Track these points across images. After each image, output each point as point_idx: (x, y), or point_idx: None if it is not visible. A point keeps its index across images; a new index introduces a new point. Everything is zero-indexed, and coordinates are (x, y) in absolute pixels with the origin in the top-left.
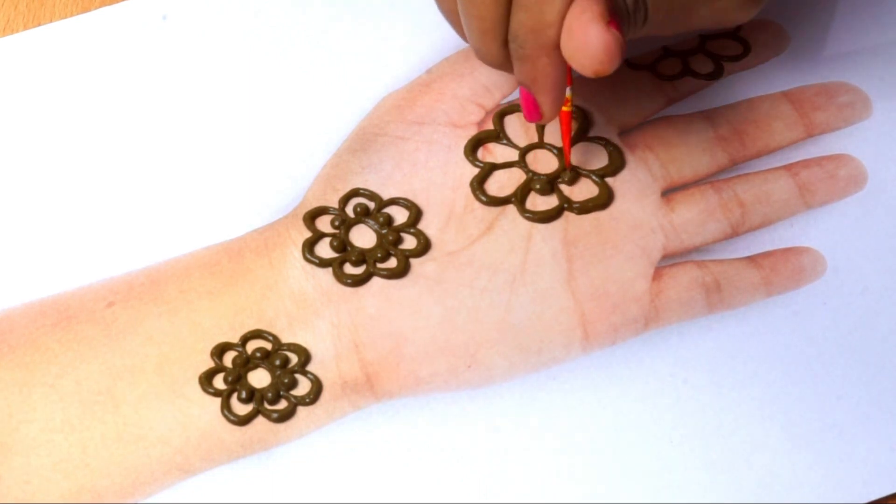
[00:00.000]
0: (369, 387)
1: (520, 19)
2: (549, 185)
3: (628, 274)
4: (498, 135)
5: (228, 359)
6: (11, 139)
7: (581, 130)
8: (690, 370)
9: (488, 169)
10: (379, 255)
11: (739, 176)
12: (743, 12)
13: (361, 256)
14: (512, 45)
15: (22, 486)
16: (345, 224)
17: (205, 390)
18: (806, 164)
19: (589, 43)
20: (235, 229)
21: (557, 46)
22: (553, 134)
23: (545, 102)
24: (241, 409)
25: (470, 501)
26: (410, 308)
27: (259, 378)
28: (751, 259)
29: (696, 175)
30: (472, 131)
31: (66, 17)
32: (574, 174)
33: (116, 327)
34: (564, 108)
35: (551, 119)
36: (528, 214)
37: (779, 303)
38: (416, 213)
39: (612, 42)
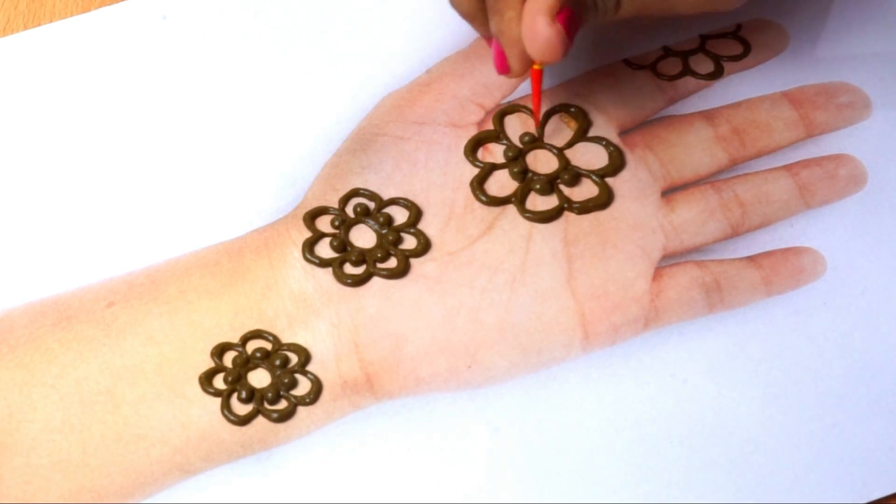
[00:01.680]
0: (369, 387)
1: None
2: (549, 185)
3: (628, 274)
4: (498, 135)
5: (228, 359)
6: (11, 139)
7: (581, 130)
8: (690, 370)
9: (488, 169)
10: (379, 255)
11: (739, 176)
12: (728, 3)
13: (361, 256)
14: None
15: (22, 486)
16: (345, 224)
17: (205, 390)
18: (806, 164)
19: (535, 34)
20: (235, 229)
21: (524, 1)
22: (553, 134)
23: (511, 56)
24: (241, 409)
25: (470, 501)
26: (410, 308)
27: (259, 378)
28: (751, 259)
29: (696, 175)
30: (472, 131)
31: (66, 17)
32: (574, 174)
33: (116, 327)
34: (535, 66)
35: (519, 74)
36: (528, 214)
37: (779, 303)
38: (416, 213)
39: (555, 37)
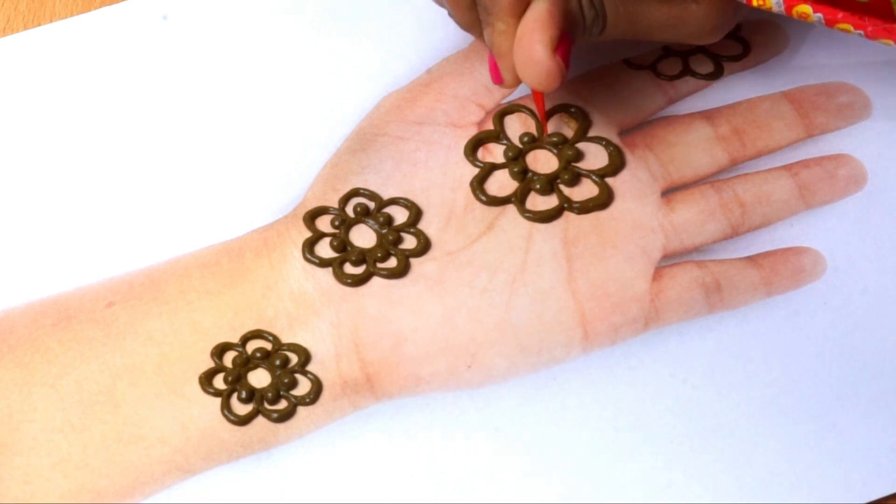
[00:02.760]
0: (369, 387)
1: None
2: (549, 184)
3: (628, 274)
4: (498, 135)
5: (228, 359)
6: (12, 139)
7: (581, 130)
8: (690, 370)
9: (488, 169)
10: (379, 254)
11: (739, 176)
12: (707, 38)
13: (361, 256)
14: (479, 9)
15: (22, 486)
16: (345, 224)
17: (205, 390)
18: (806, 164)
19: (534, 63)
20: (235, 229)
21: (514, 14)
22: (553, 135)
23: (504, 67)
24: (241, 409)
25: (470, 501)
26: (410, 308)
27: (259, 378)
28: (751, 259)
29: (696, 175)
30: (472, 131)
31: (66, 17)
32: (574, 174)
33: (116, 327)
34: None
35: (512, 85)
36: (528, 214)
37: (779, 303)
38: (416, 213)
39: (554, 69)
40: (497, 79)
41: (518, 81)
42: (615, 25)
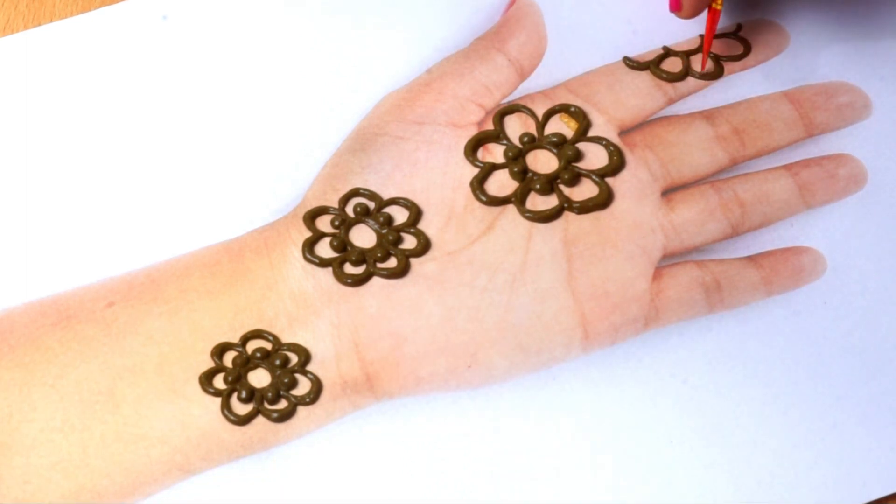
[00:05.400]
0: (369, 387)
1: None
2: (549, 184)
3: (628, 274)
4: (498, 135)
5: (228, 359)
6: (12, 139)
7: (581, 130)
8: (690, 370)
9: (488, 169)
10: (379, 254)
11: (739, 176)
12: None
13: (361, 256)
14: None
15: (22, 486)
16: (345, 224)
17: (205, 390)
18: (806, 163)
19: None
20: (235, 229)
21: None
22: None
23: None
24: (241, 408)
25: (470, 501)
26: (410, 308)
27: (259, 378)
28: (751, 259)
29: (696, 175)
30: (472, 131)
31: (66, 17)
32: (574, 174)
33: (116, 327)
34: (716, 6)
35: (692, 14)
36: (528, 214)
37: (779, 303)
38: (416, 213)
39: None
40: (675, 6)
41: (698, 8)
42: None
